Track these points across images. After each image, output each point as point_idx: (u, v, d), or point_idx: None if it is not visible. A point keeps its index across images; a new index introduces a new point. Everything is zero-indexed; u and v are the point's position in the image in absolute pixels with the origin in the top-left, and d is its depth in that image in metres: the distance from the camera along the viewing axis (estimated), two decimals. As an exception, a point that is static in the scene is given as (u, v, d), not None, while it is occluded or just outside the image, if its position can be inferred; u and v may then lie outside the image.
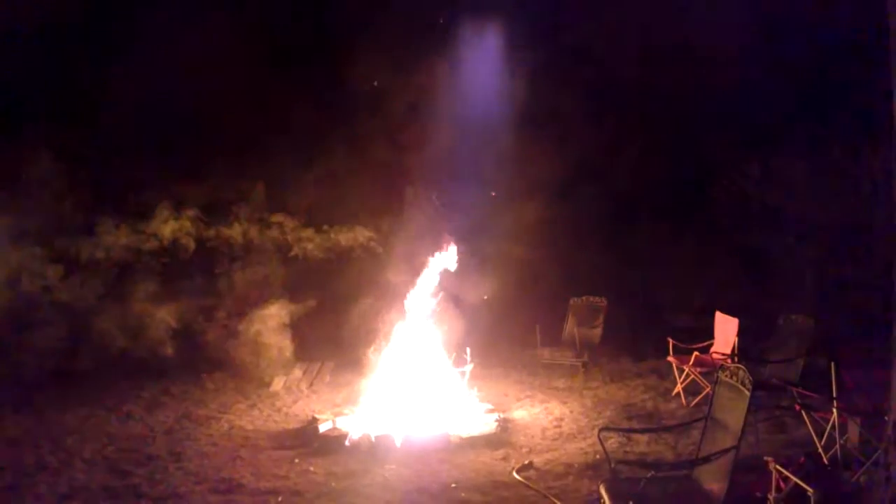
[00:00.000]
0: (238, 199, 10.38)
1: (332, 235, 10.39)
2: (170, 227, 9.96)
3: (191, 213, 10.09)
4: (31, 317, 9.10)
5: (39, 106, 9.49)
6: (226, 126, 9.86)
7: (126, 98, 9.37)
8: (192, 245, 10.04)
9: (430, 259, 8.18)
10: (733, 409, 4.52)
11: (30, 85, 9.41)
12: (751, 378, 4.42)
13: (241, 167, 10.23)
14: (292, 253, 10.48)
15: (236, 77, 9.74)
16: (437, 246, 8.18)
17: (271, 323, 9.48)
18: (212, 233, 10.17)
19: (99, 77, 9.39)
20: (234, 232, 10.23)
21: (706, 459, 4.49)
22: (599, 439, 5.15)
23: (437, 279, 8.14)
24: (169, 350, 9.47)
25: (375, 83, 10.05)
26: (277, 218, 10.53)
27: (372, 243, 10.49)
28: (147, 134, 9.92)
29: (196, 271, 10.10)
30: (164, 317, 9.50)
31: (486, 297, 9.82)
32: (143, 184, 10.05)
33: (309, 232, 10.49)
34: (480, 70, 8.76)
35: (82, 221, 9.69)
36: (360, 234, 10.37)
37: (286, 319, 9.60)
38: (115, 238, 9.74)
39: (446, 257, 8.15)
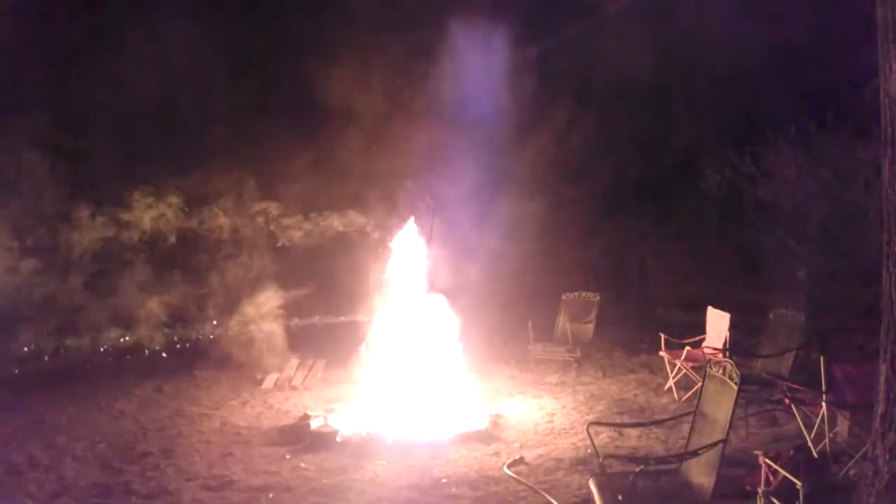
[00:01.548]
0: (223, 190, 10.27)
1: (321, 222, 10.30)
2: (149, 215, 9.85)
3: (172, 201, 9.96)
4: (13, 312, 9.07)
5: (20, 96, 9.41)
6: (210, 117, 9.81)
7: (108, 92, 9.31)
8: (173, 234, 9.94)
9: (420, 251, 8.18)
10: (721, 403, 4.53)
11: (10, 76, 9.33)
12: (738, 372, 4.43)
13: (225, 158, 10.14)
14: (280, 243, 10.41)
15: (222, 67, 9.71)
16: (426, 237, 8.17)
17: (263, 317, 9.46)
18: (194, 223, 10.08)
19: (80, 70, 9.31)
20: (220, 222, 10.13)
21: (694, 453, 4.50)
22: (588, 434, 5.16)
23: (427, 273, 8.14)
24: (157, 345, 9.46)
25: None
26: (261, 206, 10.40)
27: (367, 228, 10.34)
28: (128, 128, 9.83)
29: (182, 264, 10.04)
30: (153, 311, 9.49)
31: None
32: (124, 176, 9.93)
33: (296, 219, 10.39)
34: (470, 67, 8.75)
35: (59, 212, 9.62)
36: (355, 220, 10.27)
37: (278, 313, 9.58)
38: (93, 228, 9.65)
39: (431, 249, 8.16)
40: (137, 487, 5.82)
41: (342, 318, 9.49)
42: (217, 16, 9.89)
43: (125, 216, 9.87)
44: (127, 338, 9.52)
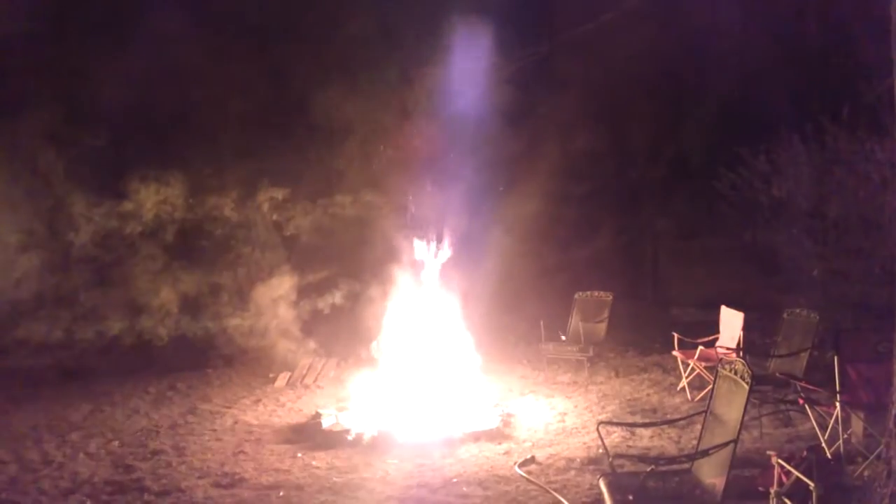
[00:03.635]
0: (230, 182, 10.22)
1: (330, 209, 10.24)
2: (153, 200, 9.80)
3: (174, 189, 9.90)
4: (25, 307, 9.15)
5: (30, 90, 9.45)
6: (215, 109, 9.80)
7: (110, 85, 9.32)
8: (177, 225, 9.90)
9: (430, 248, 8.19)
10: (733, 403, 4.49)
11: (20, 70, 9.36)
12: (750, 371, 4.39)
13: (230, 148, 10.11)
14: (287, 232, 10.37)
15: (235, 70, 9.72)
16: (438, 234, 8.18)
17: (274, 313, 9.50)
18: (199, 212, 10.02)
19: (83, 60, 9.31)
20: (226, 213, 10.09)
21: (705, 453, 4.47)
22: (598, 433, 5.14)
23: (438, 272, 8.15)
24: (170, 341, 9.52)
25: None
26: (267, 194, 10.33)
27: (383, 210, 10.16)
28: (130, 120, 9.83)
29: (190, 257, 10.05)
30: (164, 307, 9.55)
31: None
32: (125, 168, 9.92)
33: (303, 206, 10.32)
34: (479, 67, 8.73)
35: (69, 206, 9.65)
36: (368, 203, 10.14)
37: (289, 306, 9.62)
38: (101, 220, 9.65)
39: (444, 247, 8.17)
40: (150, 485, 5.86)
41: (354, 309, 9.46)
42: (232, 20, 9.91)
43: (129, 206, 9.83)
44: (139, 334, 9.57)
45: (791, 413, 6.96)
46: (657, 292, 12.57)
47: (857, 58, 8.71)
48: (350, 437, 6.80)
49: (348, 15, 9.69)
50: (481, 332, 8.72)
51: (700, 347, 7.99)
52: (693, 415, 5.95)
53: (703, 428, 4.80)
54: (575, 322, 9.52)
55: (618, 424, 6.92)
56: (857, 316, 7.99)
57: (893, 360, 4.55)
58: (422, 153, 8.99)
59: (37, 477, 6.04)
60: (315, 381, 9.13)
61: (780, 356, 7.38)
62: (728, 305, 8.35)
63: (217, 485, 5.84)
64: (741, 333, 7.91)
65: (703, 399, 7.62)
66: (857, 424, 5.88)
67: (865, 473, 5.27)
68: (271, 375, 9.28)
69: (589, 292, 9.70)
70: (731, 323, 8.13)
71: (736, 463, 4.35)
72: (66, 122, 9.54)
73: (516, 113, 9.63)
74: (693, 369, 7.97)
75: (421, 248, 8.25)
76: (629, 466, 5.39)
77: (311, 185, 10.36)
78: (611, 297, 9.56)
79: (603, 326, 9.44)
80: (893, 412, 4.48)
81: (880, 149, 8.42)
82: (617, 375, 9.12)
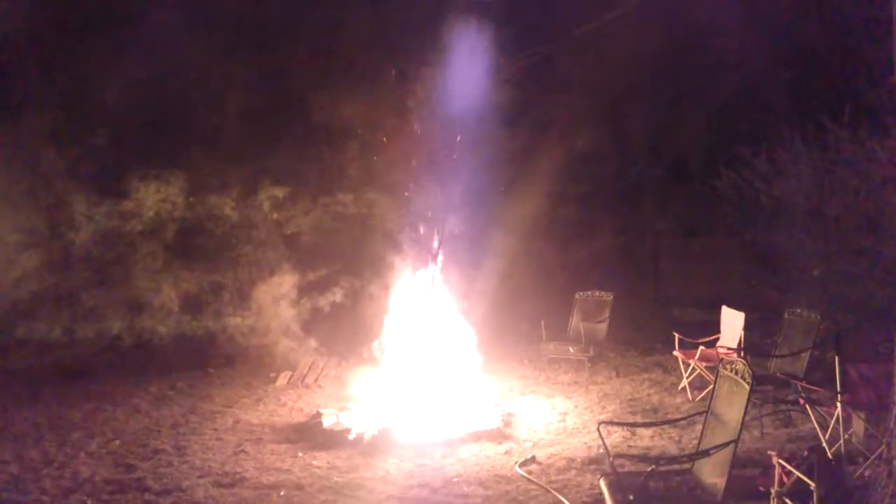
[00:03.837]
0: (230, 180, 10.21)
1: (332, 207, 10.24)
2: (153, 198, 9.78)
3: (175, 188, 9.88)
4: (26, 305, 9.16)
5: (22, 86, 9.45)
6: (215, 109, 9.80)
7: (110, 84, 9.33)
8: (177, 217, 9.90)
9: (431, 247, 8.20)
10: (734, 403, 4.50)
11: (12, 64, 9.35)
12: (751, 371, 4.39)
13: (230, 147, 10.11)
14: (288, 231, 10.38)
15: (237, 70, 9.73)
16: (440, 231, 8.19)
17: (274, 312, 9.50)
18: (200, 211, 10.02)
19: (83, 60, 9.31)
20: (226, 210, 10.08)
21: (705, 453, 4.47)
22: (599, 433, 5.14)
23: (439, 271, 8.16)
24: (171, 341, 9.54)
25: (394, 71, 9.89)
26: (267, 193, 10.32)
27: (384, 209, 10.16)
28: (130, 120, 9.82)
29: (191, 257, 10.06)
30: (166, 307, 9.56)
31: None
32: (126, 167, 9.91)
33: (303, 205, 10.32)
34: (479, 67, 8.72)
35: (70, 205, 9.66)
36: (369, 202, 10.13)
37: (290, 305, 9.62)
38: (102, 220, 9.65)
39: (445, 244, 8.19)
40: (151, 484, 5.86)
41: (356, 308, 9.48)
42: (232, 20, 9.91)
43: (130, 205, 9.83)
44: (140, 333, 9.59)
45: (792, 413, 6.97)
46: (658, 292, 12.58)
47: (857, 58, 8.68)
48: (351, 437, 6.80)
49: (348, 15, 9.68)
50: (482, 331, 8.73)
51: (701, 347, 8.00)
52: (694, 415, 5.95)
53: (703, 428, 4.81)
54: (575, 322, 9.53)
55: (618, 424, 6.92)
56: (857, 316, 7.99)
57: (894, 360, 4.55)
58: (422, 152, 8.98)
59: (38, 476, 6.04)
60: (316, 380, 9.13)
61: (781, 356, 7.39)
62: (729, 305, 8.35)
63: (218, 484, 5.84)
64: (742, 333, 7.91)
65: (703, 399, 7.62)
66: (858, 424, 5.89)
67: (866, 473, 5.27)
68: (272, 375, 9.28)
69: (589, 292, 9.71)
70: (732, 323, 8.12)
71: (737, 463, 4.35)
72: (67, 121, 9.55)
73: (516, 113, 9.63)
74: (694, 369, 7.97)
75: (422, 247, 8.25)
76: (630, 466, 5.41)
77: (311, 184, 10.36)
78: (611, 297, 9.57)
79: (603, 326, 9.44)
80: (894, 412, 4.48)
81: (881, 148, 8.41)
82: (617, 375, 9.13)
